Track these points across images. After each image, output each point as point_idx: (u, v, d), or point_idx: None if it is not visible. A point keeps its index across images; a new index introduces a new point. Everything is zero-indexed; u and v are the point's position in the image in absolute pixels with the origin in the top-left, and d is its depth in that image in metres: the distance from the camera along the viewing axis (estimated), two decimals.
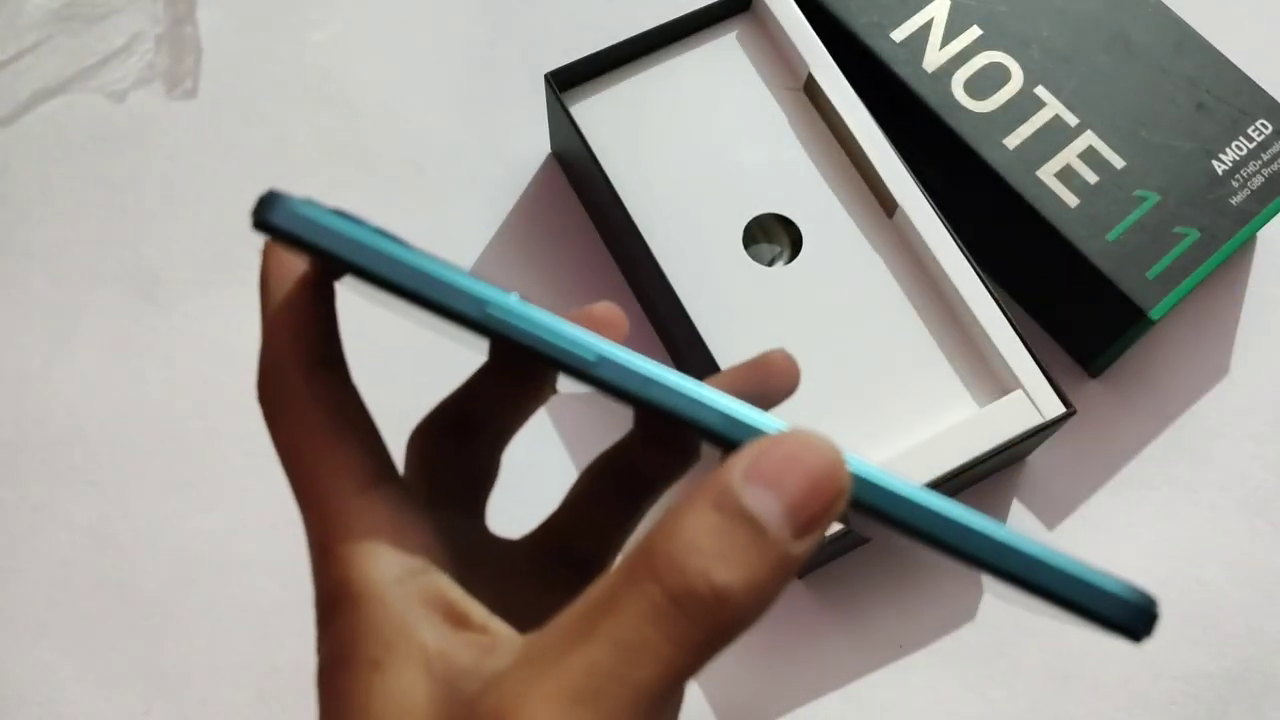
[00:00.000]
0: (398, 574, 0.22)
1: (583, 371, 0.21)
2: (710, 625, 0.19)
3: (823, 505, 0.20)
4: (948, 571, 0.49)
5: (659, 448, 0.28)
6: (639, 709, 0.19)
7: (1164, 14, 0.51)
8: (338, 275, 0.24)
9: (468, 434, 0.28)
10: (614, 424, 0.51)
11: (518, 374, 0.27)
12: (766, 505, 0.19)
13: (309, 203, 0.22)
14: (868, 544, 0.49)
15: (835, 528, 0.44)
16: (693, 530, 0.19)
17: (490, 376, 0.28)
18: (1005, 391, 0.46)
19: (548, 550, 0.28)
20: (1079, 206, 0.48)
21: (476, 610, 0.22)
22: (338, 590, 0.22)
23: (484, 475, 0.28)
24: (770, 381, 0.27)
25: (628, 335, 0.27)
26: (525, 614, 0.27)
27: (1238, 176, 0.48)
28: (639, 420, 0.28)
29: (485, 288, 0.21)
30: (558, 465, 0.50)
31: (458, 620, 0.21)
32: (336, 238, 0.22)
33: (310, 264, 0.24)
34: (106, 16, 0.58)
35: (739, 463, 0.20)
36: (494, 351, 0.26)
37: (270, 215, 0.22)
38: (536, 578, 0.28)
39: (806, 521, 0.20)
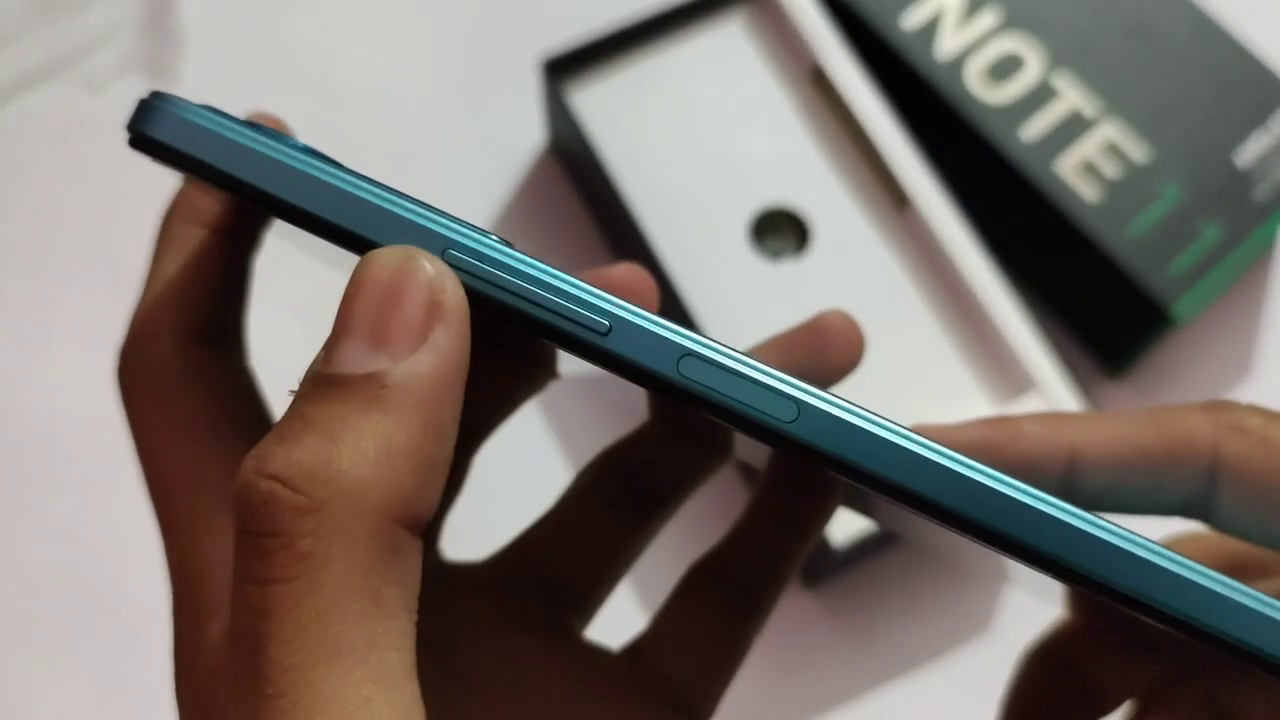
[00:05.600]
0: None
1: (594, 345, 0.15)
2: (298, 521, 0.14)
3: (402, 303, 0.14)
4: (959, 578, 0.48)
5: (682, 444, 0.22)
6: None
7: (1184, 2, 0.50)
8: (262, 219, 0.19)
9: None
10: (627, 418, 0.49)
11: (503, 350, 0.21)
12: (341, 352, 0.15)
13: (206, 110, 0.16)
14: (875, 554, 0.47)
15: (846, 533, 0.43)
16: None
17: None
18: (1020, 393, 0.45)
19: (518, 579, 0.22)
20: (1098, 200, 0.47)
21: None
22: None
23: (447, 486, 0.23)
24: (827, 351, 0.21)
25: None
26: (495, 669, 0.20)
27: (1259, 169, 0.48)
28: (657, 407, 0.22)
29: (447, 223, 0.15)
30: (549, 473, 0.48)
31: None
32: (228, 150, 0.15)
33: (224, 204, 0.19)
34: (87, 5, 0.57)
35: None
36: (470, 319, 0.21)
37: (150, 126, 0.15)
38: (499, 617, 0.21)
39: (392, 329, 0.14)
